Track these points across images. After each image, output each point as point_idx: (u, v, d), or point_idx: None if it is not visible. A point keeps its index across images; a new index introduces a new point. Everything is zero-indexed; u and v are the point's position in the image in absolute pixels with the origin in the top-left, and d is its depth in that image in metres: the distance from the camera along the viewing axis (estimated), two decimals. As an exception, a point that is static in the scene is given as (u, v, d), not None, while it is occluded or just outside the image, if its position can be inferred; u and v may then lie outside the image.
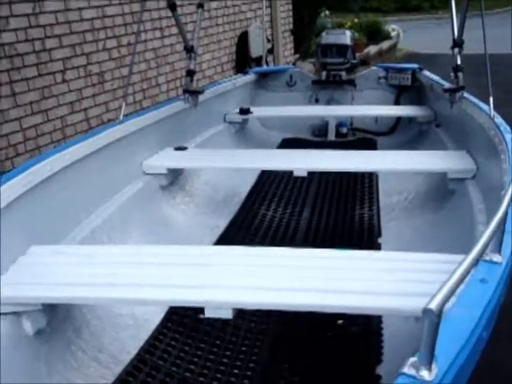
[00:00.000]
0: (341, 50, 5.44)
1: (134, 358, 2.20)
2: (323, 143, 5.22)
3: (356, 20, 15.39)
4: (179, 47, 6.11)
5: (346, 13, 17.21)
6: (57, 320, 2.15)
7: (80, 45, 5.22)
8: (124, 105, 3.28)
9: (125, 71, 5.73)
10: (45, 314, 2.02)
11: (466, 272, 1.17)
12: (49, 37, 4.86)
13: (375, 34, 14.64)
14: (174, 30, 6.18)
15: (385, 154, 3.86)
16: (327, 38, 5.56)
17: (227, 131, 4.84)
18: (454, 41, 3.71)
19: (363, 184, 4.12)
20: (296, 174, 3.38)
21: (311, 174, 4.13)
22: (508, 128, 2.75)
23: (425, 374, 1.12)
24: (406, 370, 1.14)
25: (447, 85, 3.98)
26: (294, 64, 8.95)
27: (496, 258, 1.55)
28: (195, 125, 4.24)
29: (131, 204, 3.04)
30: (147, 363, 2.18)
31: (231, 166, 3.62)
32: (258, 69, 5.80)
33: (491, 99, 2.97)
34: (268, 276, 1.99)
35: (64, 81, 5.07)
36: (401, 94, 5.36)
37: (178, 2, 6.36)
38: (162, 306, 2.51)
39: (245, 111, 4.92)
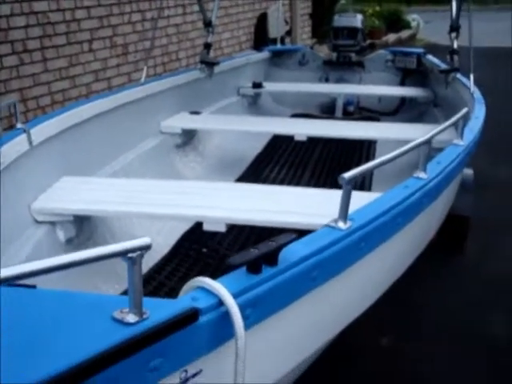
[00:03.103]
0: (351, 32, 5.73)
1: (145, 274, 2.61)
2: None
3: (378, 8, 15.57)
4: (200, 25, 6.45)
5: (369, 1, 17.42)
6: (84, 234, 2.61)
7: (107, 17, 5.58)
8: (145, 68, 3.66)
9: (147, 44, 6.09)
10: (74, 225, 2.48)
11: (374, 164, 1.67)
12: (78, 8, 5.23)
13: (395, 22, 14.84)
14: (196, 8, 6.51)
15: (379, 126, 4.20)
16: (339, 20, 5.86)
17: (240, 103, 5.19)
18: (451, 26, 4.02)
19: (361, 152, 4.47)
20: (297, 138, 3.73)
21: (315, 142, 4.47)
22: (482, 100, 3.09)
23: (341, 225, 1.54)
24: (329, 222, 1.56)
25: (444, 67, 4.29)
26: (311, 47, 9.23)
27: (422, 175, 1.97)
28: (210, 94, 4.60)
29: (147, 156, 3.44)
30: (156, 279, 2.60)
31: (240, 129, 3.98)
32: (272, 47, 6.13)
33: (471, 76, 3.31)
34: (249, 202, 2.44)
35: (91, 50, 5.44)
36: (406, 77, 5.64)
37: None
38: (170, 239, 2.93)
39: (257, 85, 5.26)
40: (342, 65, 5.83)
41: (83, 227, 2.61)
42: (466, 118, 2.48)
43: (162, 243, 2.88)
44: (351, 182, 1.49)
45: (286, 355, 1.47)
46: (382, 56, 5.75)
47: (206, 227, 2.30)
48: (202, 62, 4.49)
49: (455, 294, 3.14)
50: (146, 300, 1.05)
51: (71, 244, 2.49)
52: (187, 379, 1.11)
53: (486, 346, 2.70)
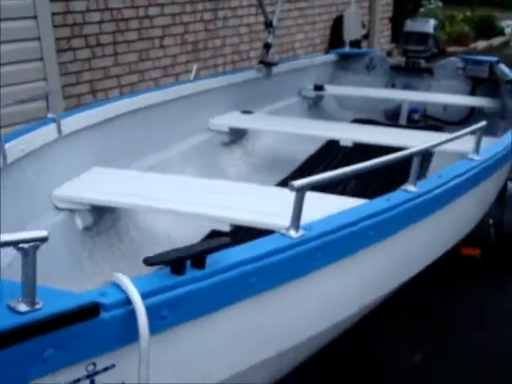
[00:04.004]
0: (422, 38, 5.56)
1: None
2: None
3: (469, 13, 14.96)
4: (272, 25, 6.52)
5: (462, 6, 16.74)
6: (103, 223, 2.69)
7: (179, 14, 5.76)
8: (195, 66, 3.75)
9: (218, 42, 6.23)
10: (92, 214, 2.57)
11: (332, 175, 1.65)
12: (152, 5, 5.43)
13: (487, 28, 14.20)
14: (269, 9, 6.56)
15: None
16: (411, 25, 5.69)
17: (300, 105, 5.18)
18: None
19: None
20: (342, 143, 3.67)
21: (369, 148, 4.36)
22: None
23: (292, 233, 1.51)
24: (281, 230, 1.54)
25: None
26: (389, 52, 9.03)
27: (411, 188, 1.87)
28: (267, 94, 4.62)
29: (190, 153, 3.50)
30: None
31: (290, 131, 3.96)
32: (339, 50, 6.06)
33: None
34: (260, 203, 2.44)
35: (161, 46, 5.63)
36: (477, 86, 5.40)
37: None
38: (198, 235, 2.97)
39: (319, 87, 5.23)
40: (410, 71, 5.66)
41: (105, 217, 2.69)
42: (482, 132, 2.34)
43: (190, 238, 2.93)
44: (303, 190, 1.46)
45: (215, 363, 1.40)
46: (453, 63, 5.53)
47: (215, 226, 2.33)
48: (260, 61, 4.54)
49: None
50: (49, 290, 1.08)
51: (89, 232, 2.59)
52: (96, 372, 1.12)
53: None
